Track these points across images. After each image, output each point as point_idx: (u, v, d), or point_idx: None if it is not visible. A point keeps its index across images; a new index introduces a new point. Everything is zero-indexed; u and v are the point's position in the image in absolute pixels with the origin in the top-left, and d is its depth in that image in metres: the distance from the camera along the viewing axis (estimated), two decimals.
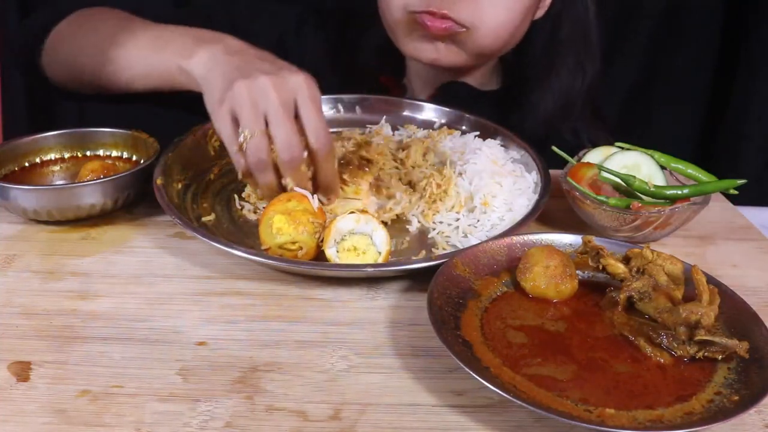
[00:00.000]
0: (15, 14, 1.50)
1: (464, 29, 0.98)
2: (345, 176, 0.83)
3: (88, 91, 0.98)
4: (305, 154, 0.74)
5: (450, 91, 1.11)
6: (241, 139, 0.73)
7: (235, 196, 0.86)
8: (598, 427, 0.52)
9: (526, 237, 0.73)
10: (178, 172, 0.87)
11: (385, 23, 1.06)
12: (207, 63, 0.78)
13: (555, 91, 1.11)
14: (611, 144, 0.86)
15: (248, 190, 0.87)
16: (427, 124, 1.03)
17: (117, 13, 0.98)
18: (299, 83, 0.73)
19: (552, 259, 0.67)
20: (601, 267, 0.68)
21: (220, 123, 0.74)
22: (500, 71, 1.20)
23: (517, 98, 1.13)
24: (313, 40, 1.19)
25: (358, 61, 1.18)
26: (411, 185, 0.88)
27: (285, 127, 0.72)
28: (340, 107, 1.05)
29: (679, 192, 0.78)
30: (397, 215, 0.84)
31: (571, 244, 0.73)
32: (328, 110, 1.05)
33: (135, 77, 0.88)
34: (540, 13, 1.09)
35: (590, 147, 0.88)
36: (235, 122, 0.73)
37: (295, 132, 0.73)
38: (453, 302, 0.64)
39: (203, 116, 0.78)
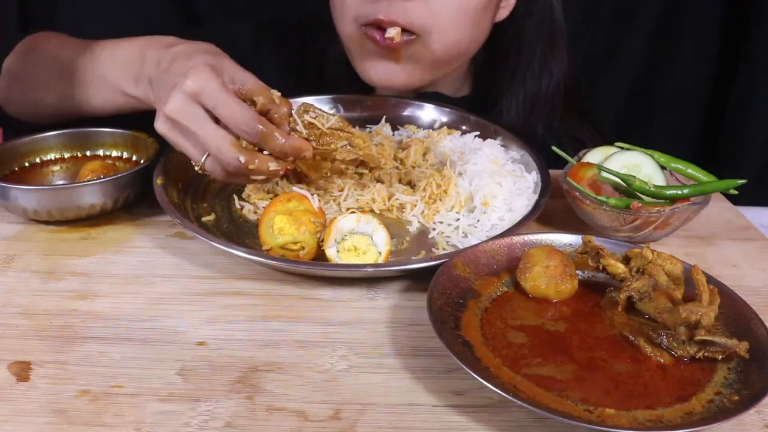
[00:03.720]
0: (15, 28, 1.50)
1: (414, 36, 0.95)
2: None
3: (53, 122, 0.96)
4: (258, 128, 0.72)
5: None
6: (197, 169, 0.75)
7: (235, 196, 0.86)
8: (598, 427, 0.52)
9: (526, 237, 0.73)
10: (178, 172, 0.87)
11: (341, 40, 1.04)
12: (148, 89, 0.80)
13: (521, 94, 1.09)
14: (597, 138, 0.86)
15: (248, 190, 0.87)
16: (427, 124, 1.03)
17: (59, 41, 0.97)
18: (196, 88, 0.70)
19: (552, 259, 0.67)
20: (601, 267, 0.68)
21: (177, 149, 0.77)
22: (472, 76, 1.17)
23: (487, 103, 1.11)
24: (275, 54, 1.16)
25: (324, 74, 1.16)
26: (411, 185, 0.88)
27: (212, 137, 0.72)
28: (340, 107, 1.05)
29: (679, 192, 0.78)
30: (397, 207, 0.84)
31: (571, 244, 0.73)
32: (328, 110, 1.05)
33: (96, 108, 0.90)
34: (504, 14, 1.07)
35: (570, 144, 0.87)
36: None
37: (224, 130, 0.72)
38: (453, 302, 0.64)
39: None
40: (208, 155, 0.73)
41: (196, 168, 0.75)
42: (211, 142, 0.72)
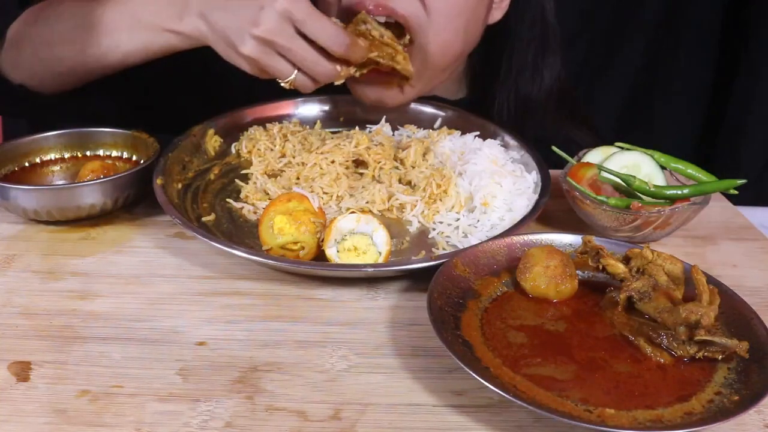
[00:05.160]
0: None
1: (408, 41, 0.92)
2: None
3: (67, 84, 0.94)
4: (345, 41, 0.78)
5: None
6: (285, 85, 0.79)
7: (235, 196, 0.86)
8: (598, 427, 0.52)
9: (526, 237, 0.73)
10: (178, 172, 0.87)
11: None
12: (199, 22, 0.79)
13: (513, 96, 1.08)
14: (595, 141, 0.86)
15: (246, 190, 0.87)
16: (427, 124, 1.03)
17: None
18: (287, 5, 0.74)
19: (552, 259, 0.67)
20: (601, 267, 0.68)
21: (257, 71, 0.79)
22: (468, 79, 1.16)
23: (483, 105, 1.09)
24: None
25: None
26: (411, 185, 0.88)
27: (308, 52, 0.76)
28: (341, 107, 1.05)
29: (679, 192, 0.78)
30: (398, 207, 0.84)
31: (571, 244, 0.73)
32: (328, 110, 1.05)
33: (128, 55, 0.87)
34: (497, 16, 1.05)
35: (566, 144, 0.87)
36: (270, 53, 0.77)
37: (313, 46, 0.76)
38: (453, 302, 0.64)
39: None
40: (298, 71, 0.77)
41: (284, 84, 0.79)
42: (309, 56, 0.76)
